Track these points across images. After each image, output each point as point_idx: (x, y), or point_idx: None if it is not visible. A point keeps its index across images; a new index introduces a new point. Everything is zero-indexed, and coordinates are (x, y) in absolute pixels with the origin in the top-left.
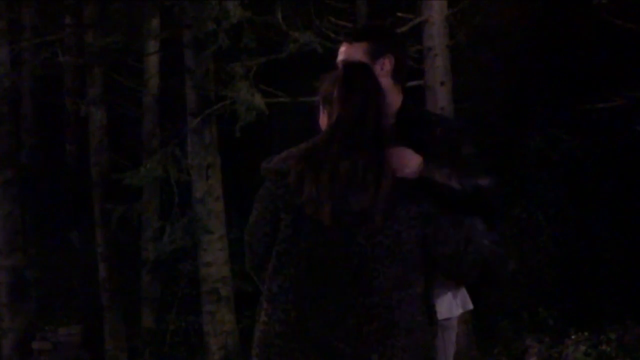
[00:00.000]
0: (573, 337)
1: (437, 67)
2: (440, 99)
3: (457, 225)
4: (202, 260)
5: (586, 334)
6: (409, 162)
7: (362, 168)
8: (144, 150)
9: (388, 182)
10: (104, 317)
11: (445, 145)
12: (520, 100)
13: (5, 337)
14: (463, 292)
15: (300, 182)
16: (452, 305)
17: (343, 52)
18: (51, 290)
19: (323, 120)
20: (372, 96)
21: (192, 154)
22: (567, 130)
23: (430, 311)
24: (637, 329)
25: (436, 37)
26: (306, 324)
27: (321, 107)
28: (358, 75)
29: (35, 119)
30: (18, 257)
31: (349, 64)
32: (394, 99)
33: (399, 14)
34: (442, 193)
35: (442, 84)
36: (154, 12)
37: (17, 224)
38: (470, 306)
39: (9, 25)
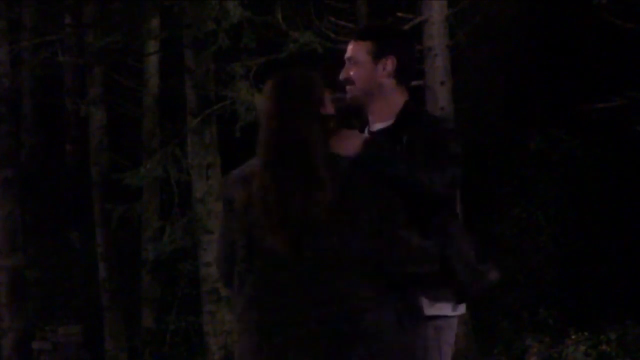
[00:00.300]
0: (573, 337)
1: (437, 67)
2: (440, 99)
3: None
4: (202, 260)
5: (586, 334)
6: (350, 142)
7: (297, 183)
8: (144, 150)
9: (325, 194)
10: (104, 317)
11: (432, 144)
12: (520, 100)
13: (5, 337)
14: None
15: (245, 208)
16: (447, 304)
17: (349, 49)
18: (51, 290)
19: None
20: (302, 112)
21: (192, 154)
22: (567, 130)
23: (405, 313)
24: (637, 329)
25: (436, 37)
26: (270, 341)
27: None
28: (291, 88)
29: (35, 119)
30: (18, 257)
31: (285, 76)
32: (396, 99)
33: (399, 14)
34: (403, 187)
35: (442, 84)
36: (154, 12)
37: (17, 224)
38: (463, 310)
39: (9, 25)
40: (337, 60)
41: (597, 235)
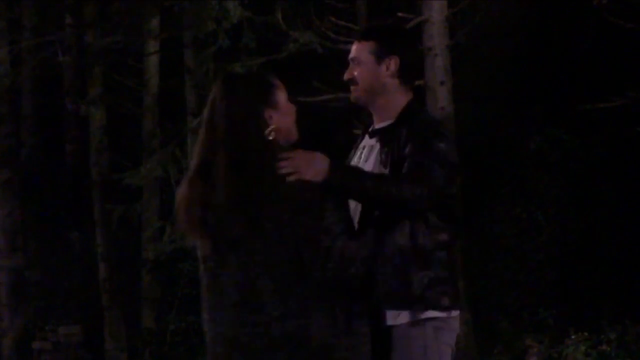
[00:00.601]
0: (573, 337)
1: (437, 67)
2: (440, 99)
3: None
4: None
5: (586, 334)
6: (313, 166)
7: (225, 193)
8: (144, 150)
9: (248, 203)
10: (104, 317)
11: (418, 141)
12: (520, 100)
13: (5, 337)
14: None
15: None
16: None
17: (353, 50)
18: (51, 290)
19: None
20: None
21: (192, 154)
22: (567, 130)
23: (344, 316)
24: (637, 328)
25: (436, 37)
26: (221, 349)
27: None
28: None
29: (35, 119)
30: (18, 257)
31: (226, 76)
32: (398, 99)
33: (399, 14)
34: (371, 201)
35: (442, 83)
36: (154, 12)
37: (17, 224)
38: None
39: (9, 25)
40: (337, 60)
41: (597, 235)
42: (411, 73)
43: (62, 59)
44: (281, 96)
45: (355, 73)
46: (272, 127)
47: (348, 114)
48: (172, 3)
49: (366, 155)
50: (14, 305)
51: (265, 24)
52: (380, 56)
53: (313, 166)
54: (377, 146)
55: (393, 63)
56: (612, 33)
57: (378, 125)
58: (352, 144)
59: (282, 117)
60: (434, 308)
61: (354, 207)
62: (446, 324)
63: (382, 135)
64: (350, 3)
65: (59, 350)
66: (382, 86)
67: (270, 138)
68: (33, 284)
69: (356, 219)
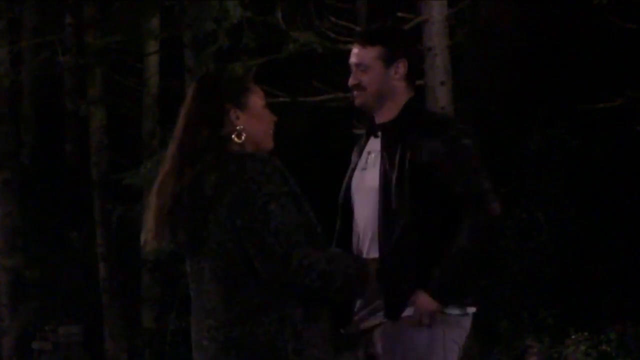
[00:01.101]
0: (573, 337)
1: (437, 67)
2: (440, 99)
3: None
4: None
5: (586, 334)
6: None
7: (170, 194)
8: (144, 150)
9: (193, 205)
10: (104, 317)
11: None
12: (520, 100)
13: (5, 337)
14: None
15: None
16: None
17: (355, 54)
18: (51, 290)
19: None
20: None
21: None
22: (567, 130)
23: (301, 321)
24: (637, 328)
25: (436, 37)
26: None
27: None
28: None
29: (35, 119)
30: (18, 257)
31: (201, 78)
32: (402, 99)
33: (399, 14)
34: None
35: (442, 83)
36: (154, 12)
37: (17, 224)
38: (472, 310)
39: (9, 25)
40: (337, 60)
41: (597, 235)
42: (417, 73)
43: (62, 59)
44: (254, 100)
45: (362, 79)
46: (239, 127)
47: (348, 114)
48: (172, 3)
49: (372, 161)
50: (14, 305)
51: (265, 24)
52: (388, 61)
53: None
54: (380, 146)
55: (402, 66)
56: (612, 33)
57: (379, 122)
58: (351, 144)
59: (251, 120)
60: (454, 304)
61: (367, 215)
62: (457, 320)
63: (385, 132)
64: (350, 3)
65: (59, 350)
66: (390, 90)
67: (238, 140)
68: (33, 284)
69: (369, 229)
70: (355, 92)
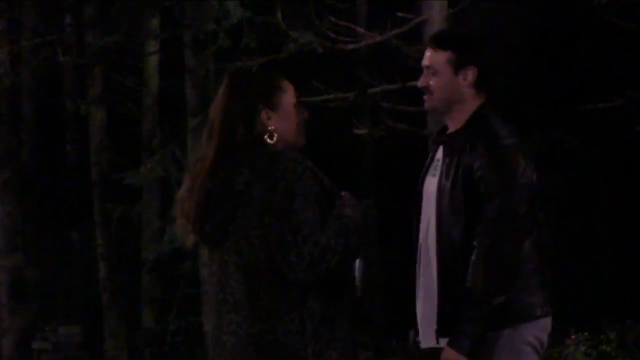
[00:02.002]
0: (573, 337)
1: None
2: None
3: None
4: (202, 260)
5: (586, 334)
6: None
7: (204, 188)
8: (144, 150)
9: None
10: (104, 317)
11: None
12: (520, 100)
13: (5, 337)
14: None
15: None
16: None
17: (427, 57)
18: (51, 290)
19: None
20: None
21: (192, 154)
22: (567, 130)
23: (312, 320)
24: (637, 329)
25: None
26: (211, 342)
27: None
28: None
29: (35, 119)
30: (18, 257)
31: (234, 73)
32: (472, 106)
33: (399, 14)
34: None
35: None
36: (154, 12)
37: (17, 224)
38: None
39: (9, 25)
40: (337, 60)
41: (597, 235)
42: (488, 81)
43: (62, 59)
44: (286, 99)
45: (431, 82)
46: (270, 128)
47: (348, 114)
48: (172, 3)
49: (436, 169)
50: (14, 305)
51: (265, 24)
52: (457, 67)
53: None
54: (442, 155)
55: (471, 73)
56: (612, 33)
57: (449, 128)
58: (351, 144)
59: (283, 120)
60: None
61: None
62: (534, 323)
63: (446, 143)
64: (350, 3)
65: (59, 350)
66: (459, 96)
67: (270, 141)
68: (33, 284)
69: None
70: (424, 96)
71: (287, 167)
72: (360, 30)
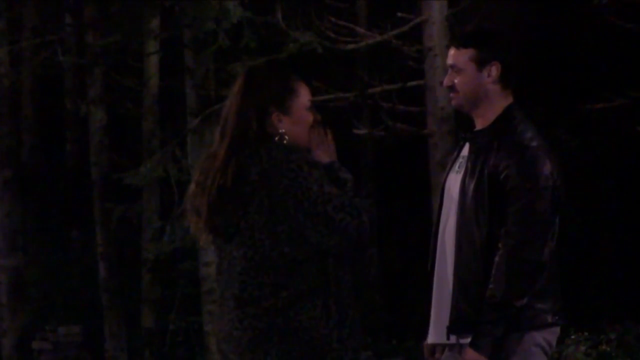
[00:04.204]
0: (573, 337)
1: (437, 67)
2: (440, 99)
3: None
4: (202, 260)
5: (586, 334)
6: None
7: (216, 184)
8: (144, 150)
9: (233, 195)
10: (104, 317)
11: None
12: (520, 100)
13: (5, 337)
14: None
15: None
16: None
17: (451, 55)
18: (51, 290)
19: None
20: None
21: (192, 154)
22: (567, 130)
23: (336, 308)
24: (637, 329)
25: (436, 37)
26: (219, 339)
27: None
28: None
29: (35, 119)
30: (18, 257)
31: (250, 71)
32: (498, 103)
33: (399, 14)
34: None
35: (442, 84)
36: (154, 12)
37: (17, 224)
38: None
39: (9, 25)
40: (337, 60)
41: (597, 235)
42: (512, 77)
43: (62, 59)
44: (297, 102)
45: (456, 81)
46: (281, 131)
47: (348, 114)
48: (172, 3)
49: (460, 166)
50: (13, 305)
51: (265, 24)
52: (481, 63)
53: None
54: (467, 153)
55: (494, 69)
56: (612, 33)
57: (477, 127)
58: (351, 144)
59: (294, 124)
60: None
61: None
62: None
63: (473, 141)
64: (350, 3)
65: (59, 350)
66: (484, 93)
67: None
68: (33, 284)
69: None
70: (451, 94)
71: (300, 157)
72: (360, 30)
